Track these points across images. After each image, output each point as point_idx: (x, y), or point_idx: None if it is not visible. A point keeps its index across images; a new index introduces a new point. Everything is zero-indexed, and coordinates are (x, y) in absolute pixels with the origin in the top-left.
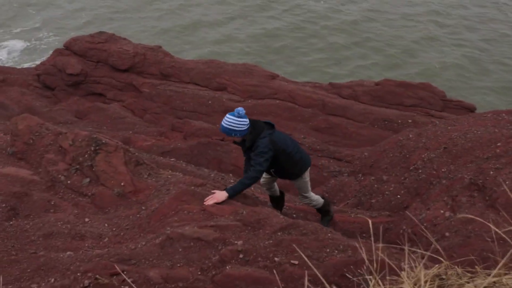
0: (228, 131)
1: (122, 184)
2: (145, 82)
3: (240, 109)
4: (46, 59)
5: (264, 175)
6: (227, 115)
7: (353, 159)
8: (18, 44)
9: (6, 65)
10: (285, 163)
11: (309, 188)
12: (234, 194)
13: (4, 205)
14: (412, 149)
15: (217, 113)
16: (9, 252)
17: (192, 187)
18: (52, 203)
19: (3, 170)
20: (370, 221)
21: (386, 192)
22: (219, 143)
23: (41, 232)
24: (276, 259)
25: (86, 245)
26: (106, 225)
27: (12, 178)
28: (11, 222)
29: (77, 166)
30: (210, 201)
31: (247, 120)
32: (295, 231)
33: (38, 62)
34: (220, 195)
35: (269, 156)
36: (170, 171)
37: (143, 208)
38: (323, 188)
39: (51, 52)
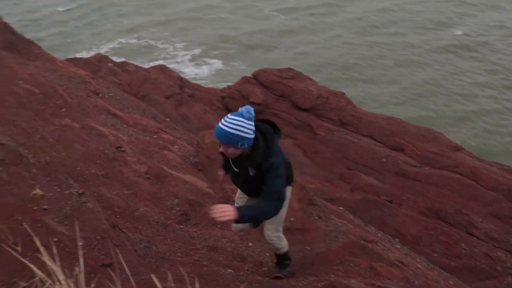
0: (233, 138)
1: (291, 219)
2: (322, 125)
3: (251, 109)
4: (233, 84)
5: (242, 194)
6: (229, 115)
7: None
8: (216, 64)
9: (202, 81)
10: None
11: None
12: (244, 219)
13: (178, 208)
14: None
15: (389, 172)
16: (175, 253)
17: (362, 241)
18: None
19: (184, 177)
20: None
21: None
22: (386, 204)
23: (206, 243)
24: None
25: (246, 268)
26: (267, 254)
27: (191, 186)
28: (181, 226)
29: None
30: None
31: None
32: None
33: (223, 85)
34: (229, 209)
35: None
36: (337, 219)
37: (307, 248)
38: (496, 283)
39: (238, 78)
